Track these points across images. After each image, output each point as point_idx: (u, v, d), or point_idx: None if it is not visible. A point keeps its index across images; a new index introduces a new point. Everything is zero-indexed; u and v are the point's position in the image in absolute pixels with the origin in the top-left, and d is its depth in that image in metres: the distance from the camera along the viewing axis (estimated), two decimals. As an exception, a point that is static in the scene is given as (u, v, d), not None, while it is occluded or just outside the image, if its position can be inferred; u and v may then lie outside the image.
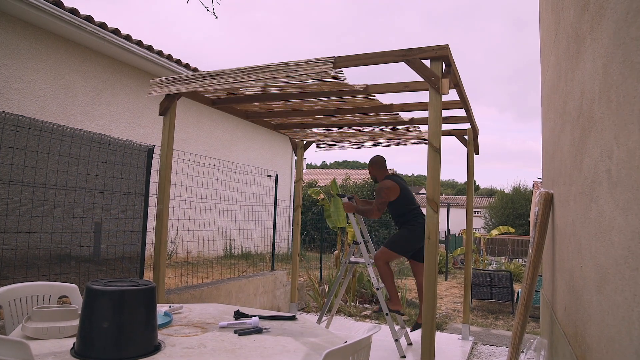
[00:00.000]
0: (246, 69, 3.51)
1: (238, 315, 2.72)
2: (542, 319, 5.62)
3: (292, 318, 2.78)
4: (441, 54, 2.98)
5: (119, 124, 7.71)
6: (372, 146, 6.23)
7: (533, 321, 7.39)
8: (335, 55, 3.19)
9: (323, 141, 6.33)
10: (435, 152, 2.98)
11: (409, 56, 3.03)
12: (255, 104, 4.73)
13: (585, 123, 2.54)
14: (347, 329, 5.91)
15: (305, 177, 24.01)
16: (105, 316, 1.90)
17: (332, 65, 3.16)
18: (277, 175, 8.12)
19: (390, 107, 4.54)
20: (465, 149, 5.58)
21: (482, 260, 16.07)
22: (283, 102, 4.60)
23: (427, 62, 3.04)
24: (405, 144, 6.07)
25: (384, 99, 4.38)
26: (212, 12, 4.92)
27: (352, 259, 5.34)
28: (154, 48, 7.68)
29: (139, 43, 7.38)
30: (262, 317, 2.71)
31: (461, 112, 4.71)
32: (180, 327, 2.45)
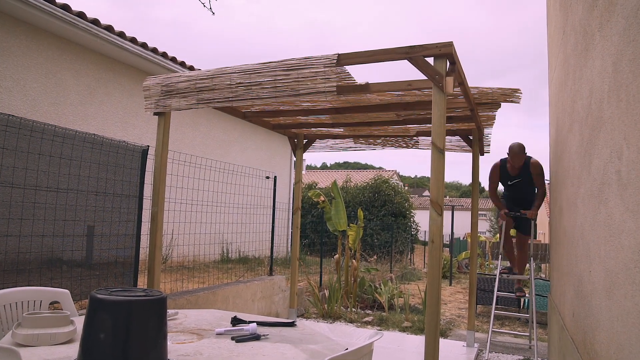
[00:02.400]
0: (245, 70, 3.52)
1: (235, 321, 2.72)
2: (549, 325, 5.62)
3: (291, 324, 2.79)
4: (445, 52, 2.98)
5: (112, 123, 7.71)
6: (373, 148, 6.24)
7: (540, 327, 7.39)
8: (339, 52, 3.20)
9: (323, 142, 6.33)
10: (439, 153, 2.98)
11: (412, 54, 3.03)
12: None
13: (594, 123, 2.54)
14: (348, 336, 5.90)
15: (304, 178, 24.01)
16: (109, 329, 1.81)
17: (335, 63, 3.16)
18: (275, 176, 8.13)
19: (393, 107, 4.54)
20: (470, 150, 5.58)
21: (487, 264, 16.07)
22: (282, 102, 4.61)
23: (430, 60, 3.05)
24: (407, 147, 6.08)
25: (386, 97, 4.38)
26: (209, 8, 4.93)
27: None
28: (149, 45, 7.69)
29: (133, 40, 7.39)
30: (260, 324, 2.71)
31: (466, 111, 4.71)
32: (175, 333, 2.44)
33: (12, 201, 3.71)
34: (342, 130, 5.81)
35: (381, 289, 8.44)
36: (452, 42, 2.98)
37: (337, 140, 6.28)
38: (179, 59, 8.40)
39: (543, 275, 14.63)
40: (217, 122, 10.27)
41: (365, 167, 68.15)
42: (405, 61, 3.09)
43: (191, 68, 8.60)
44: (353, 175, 26.04)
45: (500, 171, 5.99)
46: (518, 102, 4.36)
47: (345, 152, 6.59)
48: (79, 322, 2.22)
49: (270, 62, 3.43)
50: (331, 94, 3.21)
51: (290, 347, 2.28)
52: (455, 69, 3.10)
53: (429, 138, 5.35)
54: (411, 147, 6.07)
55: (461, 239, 22.23)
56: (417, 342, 5.84)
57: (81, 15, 6.51)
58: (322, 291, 8.22)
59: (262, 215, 8.95)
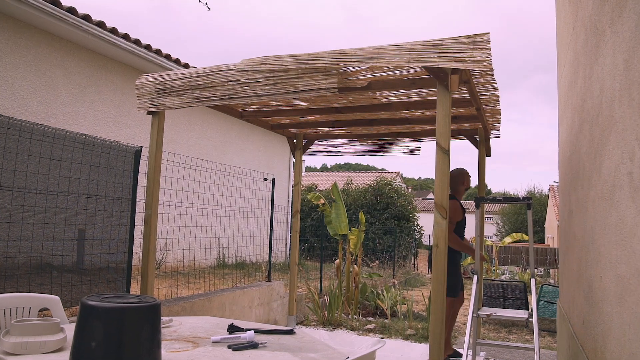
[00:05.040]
0: (242, 67, 3.52)
1: (232, 329, 2.72)
2: (558, 333, 5.61)
3: (290, 332, 2.78)
4: (450, 49, 2.98)
5: (104, 123, 7.71)
6: (376, 148, 6.24)
7: (549, 335, 7.38)
8: (340, 49, 3.20)
9: (322, 144, 6.34)
10: (443, 154, 2.98)
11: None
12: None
13: (605, 122, 2.54)
14: (350, 344, 5.90)
15: (304, 180, 24.02)
16: (101, 337, 1.79)
17: (336, 60, 3.17)
18: (273, 178, 8.12)
19: (395, 106, 4.54)
20: (476, 150, 5.58)
21: (494, 270, 16.07)
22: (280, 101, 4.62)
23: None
24: (408, 153, 6.11)
25: (388, 96, 4.38)
26: (205, 3, 4.95)
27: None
28: (142, 42, 7.70)
29: (126, 36, 7.40)
30: (257, 331, 2.71)
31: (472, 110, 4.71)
32: (170, 341, 2.44)
33: (0, 204, 3.71)
34: (342, 130, 5.82)
35: (384, 295, 8.43)
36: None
37: (337, 142, 6.28)
38: (174, 56, 8.41)
39: (552, 281, 14.63)
40: (213, 121, 10.27)
41: (367, 168, 68.15)
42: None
43: (186, 65, 8.62)
44: (354, 177, 26.04)
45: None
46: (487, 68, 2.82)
47: (343, 156, 6.59)
48: (70, 329, 2.22)
49: (268, 58, 3.43)
50: (332, 90, 3.21)
51: (289, 356, 2.28)
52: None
53: (434, 138, 5.36)
54: (412, 153, 6.11)
55: (467, 243, 22.20)
56: (421, 351, 5.83)
57: (72, 10, 6.52)
58: (322, 298, 8.21)
59: (260, 219, 8.95)
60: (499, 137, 5.62)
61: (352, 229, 8.86)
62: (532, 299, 5.57)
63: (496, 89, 4.06)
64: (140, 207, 4.67)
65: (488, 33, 2.81)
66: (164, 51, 8.22)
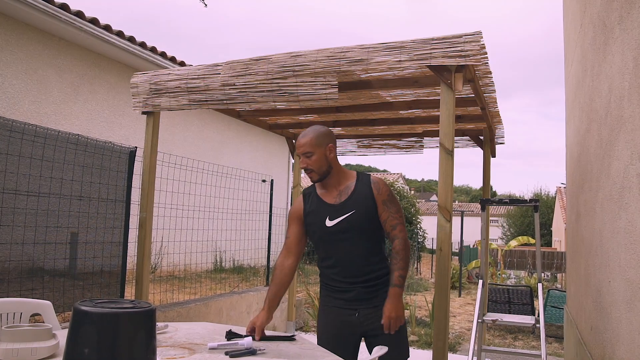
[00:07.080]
0: (238, 71, 3.52)
1: (230, 335, 2.72)
2: (566, 339, 5.61)
3: (290, 338, 2.79)
4: (454, 46, 2.98)
5: (97, 123, 7.71)
6: (375, 153, 6.25)
7: (556, 342, 7.38)
8: (340, 47, 3.21)
9: None
10: (447, 155, 2.98)
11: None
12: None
13: (614, 122, 2.54)
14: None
15: (303, 182, 24.01)
16: (94, 343, 1.77)
17: (337, 61, 3.17)
18: (272, 180, 8.12)
19: (397, 105, 4.54)
20: (481, 151, 5.58)
21: (499, 274, 16.05)
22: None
23: (438, 55, 3.04)
24: (411, 149, 6.10)
25: (390, 95, 4.38)
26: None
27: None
28: (137, 39, 7.70)
29: (120, 34, 7.40)
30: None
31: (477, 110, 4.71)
32: (165, 348, 2.44)
33: (-10, 206, 3.71)
34: (343, 130, 5.82)
35: (386, 300, 8.40)
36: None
37: (338, 142, 6.29)
38: (170, 53, 8.42)
39: (559, 286, 14.62)
40: (210, 121, 10.27)
41: (369, 170, 68.15)
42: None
43: (182, 64, 8.62)
44: (355, 178, 26.00)
45: (305, 204, 3.00)
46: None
47: (343, 156, 6.59)
48: (62, 335, 2.22)
49: (264, 59, 3.44)
50: (332, 98, 3.22)
51: (289, 363, 2.28)
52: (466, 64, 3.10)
53: (437, 139, 5.36)
54: (415, 152, 6.10)
55: (471, 246, 22.22)
56: (424, 357, 5.83)
57: (64, 7, 6.53)
58: (323, 303, 8.20)
59: (258, 222, 8.95)
60: (503, 143, 5.63)
61: (353, 232, 8.83)
62: (539, 304, 5.56)
63: (494, 91, 4.05)
64: (134, 209, 4.67)
65: (480, 32, 2.85)
66: (162, 48, 8.24)
